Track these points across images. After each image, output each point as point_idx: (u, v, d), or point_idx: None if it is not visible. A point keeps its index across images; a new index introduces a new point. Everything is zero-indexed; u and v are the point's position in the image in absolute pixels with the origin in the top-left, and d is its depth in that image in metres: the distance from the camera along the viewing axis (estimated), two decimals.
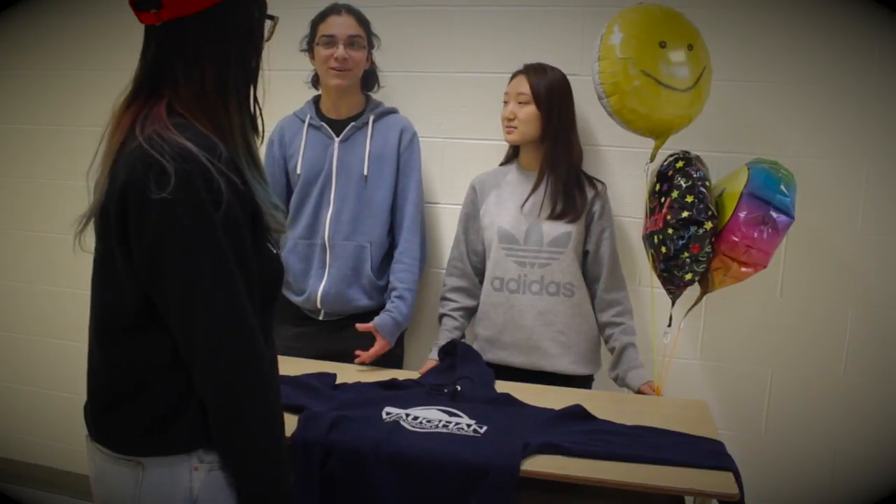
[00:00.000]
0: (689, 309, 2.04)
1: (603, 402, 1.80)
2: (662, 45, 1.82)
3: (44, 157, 2.85)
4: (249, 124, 1.17)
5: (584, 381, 2.11)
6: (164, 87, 1.12)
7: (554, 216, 2.04)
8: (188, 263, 1.05)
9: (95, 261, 1.16)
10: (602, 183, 2.12)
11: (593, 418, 1.68)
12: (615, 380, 2.08)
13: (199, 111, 1.11)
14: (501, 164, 2.21)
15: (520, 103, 2.03)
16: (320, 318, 2.20)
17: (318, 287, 2.16)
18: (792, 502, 2.27)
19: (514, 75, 2.10)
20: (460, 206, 2.21)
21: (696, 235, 1.87)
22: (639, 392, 1.99)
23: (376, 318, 2.12)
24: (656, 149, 1.97)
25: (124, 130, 1.10)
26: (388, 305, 2.16)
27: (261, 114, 1.21)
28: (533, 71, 2.06)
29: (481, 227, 2.13)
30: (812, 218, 2.16)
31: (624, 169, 2.27)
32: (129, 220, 1.06)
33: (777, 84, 2.16)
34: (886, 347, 2.17)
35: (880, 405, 2.19)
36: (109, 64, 2.57)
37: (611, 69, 1.85)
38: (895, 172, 2.13)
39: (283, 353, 2.06)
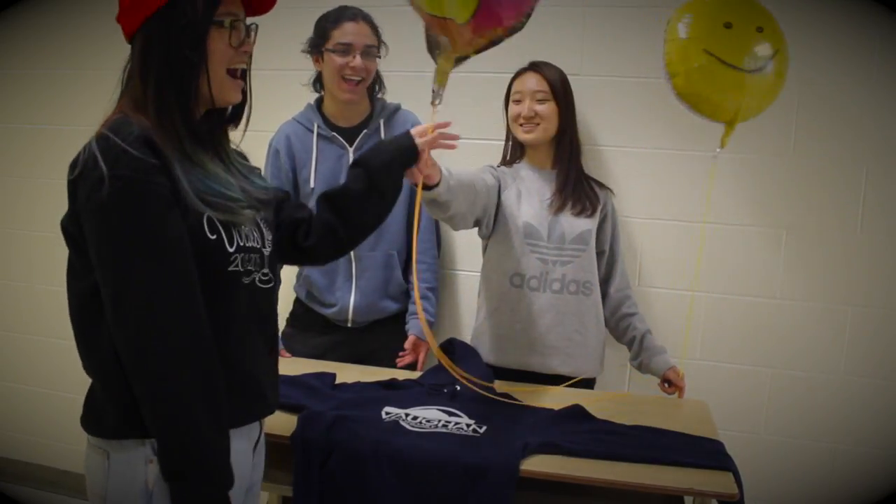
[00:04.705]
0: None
1: (603, 402, 1.80)
2: (728, 25, 1.81)
3: (44, 157, 2.85)
4: (188, 132, 1.19)
5: (588, 384, 2.11)
6: (123, 99, 1.22)
7: (575, 211, 2.03)
8: (98, 237, 1.13)
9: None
10: (608, 187, 2.15)
11: (593, 418, 1.68)
12: (638, 367, 2.08)
13: (141, 116, 1.17)
14: (506, 165, 2.14)
15: (538, 101, 2.02)
16: (348, 325, 2.18)
17: (348, 300, 2.14)
18: (792, 502, 2.27)
19: (520, 74, 2.07)
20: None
21: None
22: (664, 378, 2.03)
23: (412, 328, 2.15)
24: (726, 135, 1.93)
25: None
26: (415, 307, 2.16)
27: (238, 115, 1.29)
28: (543, 67, 2.05)
29: (503, 214, 2.05)
30: (812, 218, 2.16)
31: (625, 169, 2.27)
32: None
33: None
34: (886, 347, 2.17)
35: (880, 405, 2.19)
36: (109, 64, 2.54)
37: (674, 50, 1.86)
38: (895, 172, 2.13)
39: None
